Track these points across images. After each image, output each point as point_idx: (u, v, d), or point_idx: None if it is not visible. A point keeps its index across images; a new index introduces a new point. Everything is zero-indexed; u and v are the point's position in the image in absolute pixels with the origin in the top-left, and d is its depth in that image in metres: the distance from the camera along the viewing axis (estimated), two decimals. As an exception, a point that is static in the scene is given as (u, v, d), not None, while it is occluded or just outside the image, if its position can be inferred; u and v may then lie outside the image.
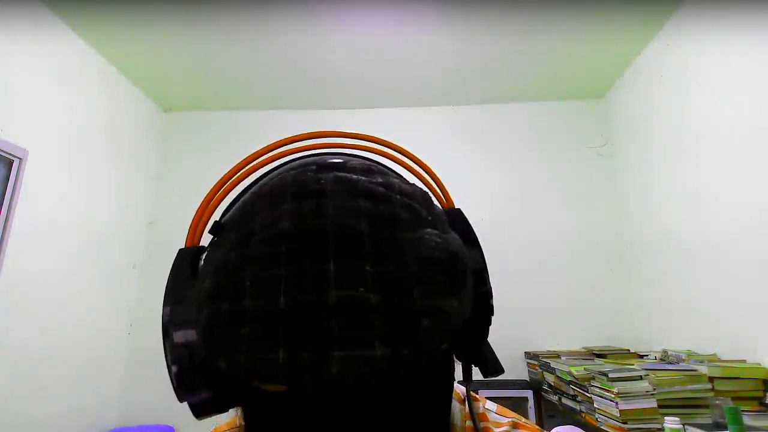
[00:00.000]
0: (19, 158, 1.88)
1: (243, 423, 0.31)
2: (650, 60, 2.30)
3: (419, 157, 0.41)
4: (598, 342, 2.41)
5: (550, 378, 2.06)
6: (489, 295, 0.34)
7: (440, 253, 0.29)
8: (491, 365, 0.34)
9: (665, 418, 1.37)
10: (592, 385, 1.66)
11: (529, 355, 2.40)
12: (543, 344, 2.46)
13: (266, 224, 0.30)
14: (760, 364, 1.54)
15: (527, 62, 2.48)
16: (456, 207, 0.39)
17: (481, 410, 0.42)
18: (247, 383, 0.27)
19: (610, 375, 1.54)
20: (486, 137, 2.85)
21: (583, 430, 1.62)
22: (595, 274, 2.56)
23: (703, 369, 1.53)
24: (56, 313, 2.07)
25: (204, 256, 0.33)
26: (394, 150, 0.41)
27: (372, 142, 0.40)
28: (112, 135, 2.49)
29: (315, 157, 0.37)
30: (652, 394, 1.48)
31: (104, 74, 2.44)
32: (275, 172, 0.36)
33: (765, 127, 1.56)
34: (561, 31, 2.21)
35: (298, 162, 0.36)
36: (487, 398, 0.44)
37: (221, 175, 0.38)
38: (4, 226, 1.81)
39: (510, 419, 0.42)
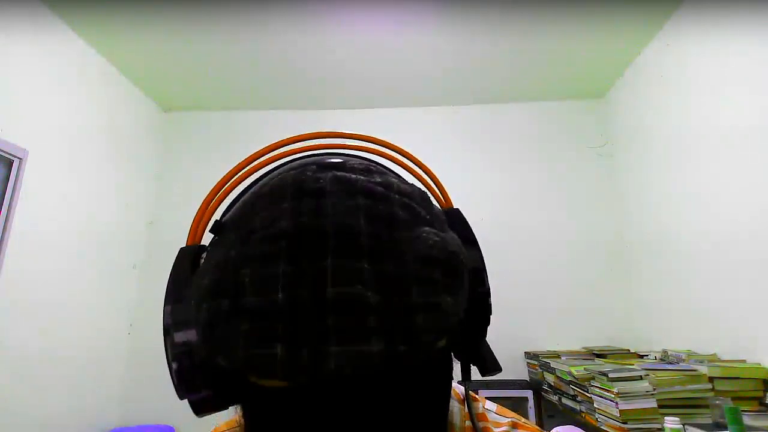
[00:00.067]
0: (19, 158, 1.88)
1: (243, 421, 0.31)
2: (650, 60, 2.30)
3: (419, 158, 0.42)
4: (598, 342, 2.41)
5: (550, 378, 2.06)
6: (487, 294, 0.34)
7: (438, 252, 0.29)
8: (490, 364, 0.34)
9: (665, 418, 1.37)
10: (592, 385, 1.66)
11: (529, 355, 2.40)
12: (543, 344, 2.46)
13: (266, 223, 0.30)
14: (760, 364, 1.54)
15: (527, 62, 2.48)
16: (455, 207, 0.39)
17: (480, 410, 0.42)
18: (245, 379, 0.27)
19: (610, 375, 1.54)
20: (486, 137, 2.85)
21: (583, 430, 1.62)
22: (595, 274, 2.56)
23: (703, 369, 1.53)
24: (56, 313, 2.07)
25: (204, 255, 0.33)
26: (393, 150, 0.41)
27: (371, 142, 0.41)
28: (112, 135, 2.49)
29: (315, 158, 0.37)
30: (652, 394, 1.48)
31: (104, 74, 2.44)
32: (275, 172, 0.37)
33: (765, 127, 1.56)
34: (561, 31, 2.21)
35: (298, 162, 0.36)
36: (487, 398, 0.44)
37: (221, 175, 0.38)
38: (4, 226, 1.81)
39: (510, 419, 0.42)
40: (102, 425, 2.34)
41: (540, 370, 2.19)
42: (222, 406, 0.30)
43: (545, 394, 2.12)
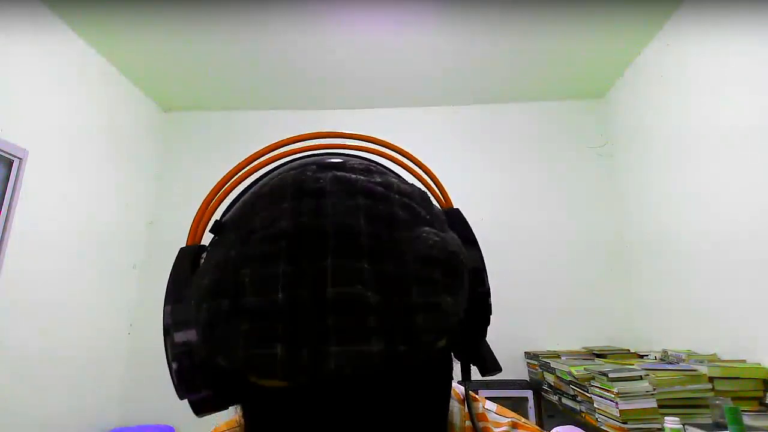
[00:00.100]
0: (19, 158, 1.88)
1: (243, 421, 0.31)
2: (650, 60, 2.30)
3: (419, 158, 0.42)
4: (598, 342, 2.41)
5: (550, 378, 2.06)
6: (487, 294, 0.34)
7: (438, 252, 0.29)
8: (490, 364, 0.35)
9: (665, 418, 1.37)
10: (592, 385, 1.66)
11: (529, 355, 2.40)
12: (543, 344, 2.46)
13: (266, 223, 0.30)
14: (760, 364, 1.54)
15: (527, 62, 2.48)
16: (455, 207, 0.39)
17: (480, 410, 0.42)
18: (245, 379, 0.27)
19: (610, 375, 1.54)
20: (486, 137, 2.85)
21: (583, 430, 1.62)
22: (595, 274, 2.56)
23: (703, 369, 1.53)
24: (56, 313, 2.07)
25: (204, 255, 0.33)
26: (393, 150, 0.41)
27: (371, 142, 0.41)
28: (112, 135, 2.49)
29: (315, 158, 0.37)
30: (652, 394, 1.48)
31: (104, 74, 2.44)
32: (275, 172, 0.37)
33: (765, 127, 1.56)
34: (561, 31, 2.21)
35: (298, 162, 0.36)
36: (487, 398, 0.44)
37: (221, 175, 0.38)
38: (4, 226, 1.81)
39: (509, 419, 0.42)
40: (102, 425, 2.34)
41: (540, 370, 2.19)
42: (222, 406, 0.30)
43: (545, 394, 2.12)
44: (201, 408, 0.30)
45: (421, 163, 0.41)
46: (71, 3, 2.01)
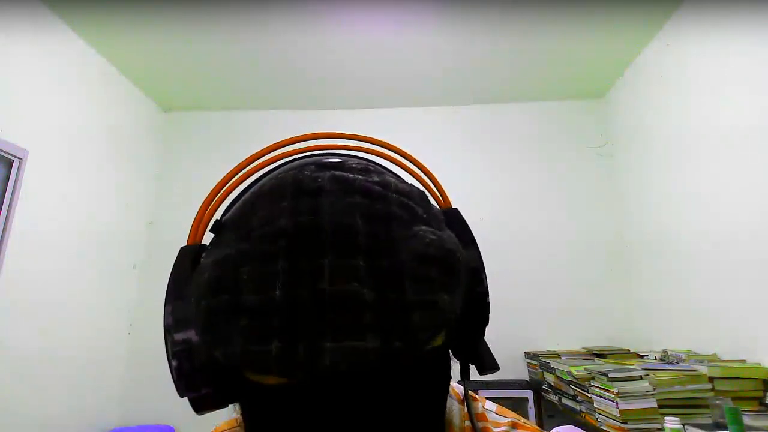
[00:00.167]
0: (19, 158, 1.88)
1: (242, 419, 0.31)
2: (650, 60, 2.30)
3: (418, 158, 0.42)
4: (598, 342, 2.41)
5: (550, 378, 2.06)
6: (486, 294, 0.34)
7: (435, 250, 0.29)
8: (487, 363, 0.35)
9: (665, 418, 1.37)
10: (592, 385, 1.66)
11: (529, 355, 2.40)
12: (543, 344, 2.46)
13: (265, 222, 0.30)
14: (760, 364, 1.54)
15: (527, 62, 2.48)
16: (454, 207, 0.39)
17: (480, 410, 0.42)
18: (242, 375, 0.28)
19: (610, 375, 1.54)
20: (486, 137, 2.85)
21: (583, 430, 1.62)
22: (595, 274, 2.56)
23: (703, 369, 1.53)
24: (56, 313, 2.07)
25: (204, 254, 0.34)
26: (392, 150, 0.41)
27: (370, 143, 0.41)
28: (112, 135, 2.49)
29: (314, 158, 0.37)
30: (652, 394, 1.48)
31: (104, 74, 2.44)
32: (275, 172, 0.37)
33: (765, 127, 1.56)
34: (561, 31, 2.21)
35: (297, 162, 0.37)
36: (487, 398, 0.44)
37: (221, 175, 0.39)
38: (4, 226, 1.81)
39: (509, 419, 0.42)
40: (102, 425, 2.34)
41: (540, 370, 2.19)
42: (221, 404, 0.30)
43: (545, 394, 2.12)
44: (201, 405, 0.30)
45: (419, 163, 0.42)
46: (71, 3, 2.01)
